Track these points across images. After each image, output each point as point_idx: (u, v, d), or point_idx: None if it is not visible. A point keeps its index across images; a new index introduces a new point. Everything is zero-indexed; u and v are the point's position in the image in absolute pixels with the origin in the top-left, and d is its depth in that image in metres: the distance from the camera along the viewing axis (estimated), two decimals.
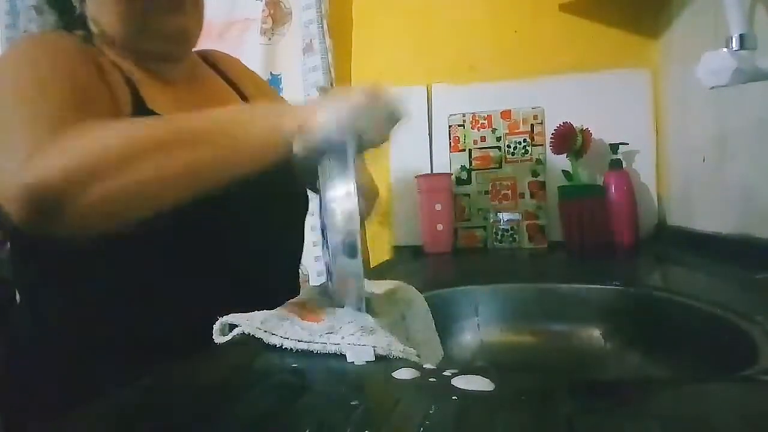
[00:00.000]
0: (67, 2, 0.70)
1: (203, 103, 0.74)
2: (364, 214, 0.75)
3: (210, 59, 0.84)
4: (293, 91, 1.42)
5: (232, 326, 0.50)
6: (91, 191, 0.47)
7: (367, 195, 0.74)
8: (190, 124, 0.53)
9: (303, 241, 0.84)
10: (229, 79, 0.84)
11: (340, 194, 0.49)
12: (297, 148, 0.51)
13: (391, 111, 0.57)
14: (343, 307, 0.51)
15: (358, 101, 0.52)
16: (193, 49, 0.79)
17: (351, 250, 0.48)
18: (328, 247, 0.52)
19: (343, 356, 0.42)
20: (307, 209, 0.83)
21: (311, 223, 0.91)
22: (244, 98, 0.82)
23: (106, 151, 0.48)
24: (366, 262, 1.46)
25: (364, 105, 0.52)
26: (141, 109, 0.64)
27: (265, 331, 0.46)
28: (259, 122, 0.53)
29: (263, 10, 1.47)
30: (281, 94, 1.34)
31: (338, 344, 0.44)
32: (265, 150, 0.53)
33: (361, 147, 0.54)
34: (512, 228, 1.33)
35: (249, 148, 0.52)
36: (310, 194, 0.81)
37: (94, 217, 0.48)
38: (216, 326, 0.50)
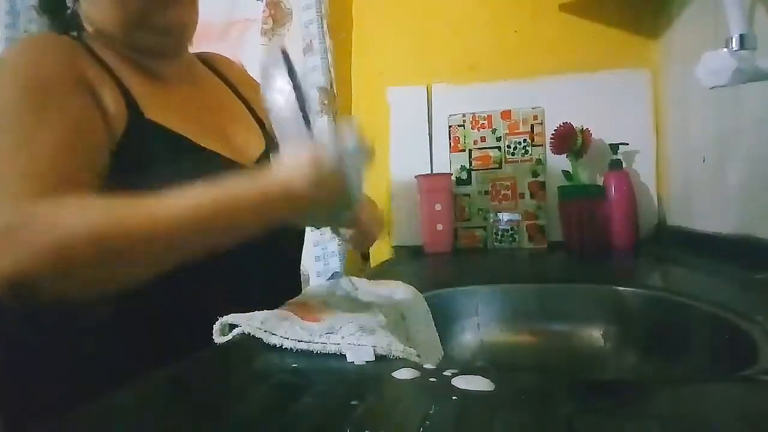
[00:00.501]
0: (59, 3, 0.70)
1: (200, 105, 0.74)
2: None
3: (209, 62, 0.84)
4: None
5: (232, 326, 0.50)
6: (71, 281, 0.48)
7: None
8: (179, 215, 0.50)
9: (303, 242, 0.84)
10: (229, 82, 0.83)
11: None
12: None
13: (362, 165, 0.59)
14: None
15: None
16: (193, 52, 0.79)
17: None
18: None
19: (343, 356, 0.42)
20: None
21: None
22: (243, 101, 0.82)
23: (90, 240, 0.47)
24: (366, 262, 1.46)
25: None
26: (137, 120, 0.63)
27: (265, 331, 0.46)
28: (252, 217, 0.53)
29: (263, 11, 1.47)
30: None
31: (338, 344, 0.44)
32: (255, 231, 0.53)
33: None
34: (512, 228, 1.33)
35: (238, 236, 0.53)
36: None
37: (73, 294, 0.49)
38: (216, 326, 0.50)
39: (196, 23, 0.73)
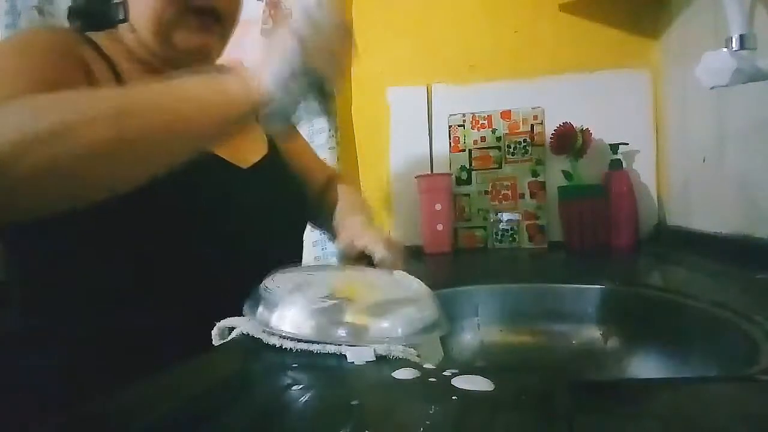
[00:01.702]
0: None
1: None
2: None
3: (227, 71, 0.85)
4: None
5: (231, 330, 0.50)
6: (21, 162, 0.42)
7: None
8: (133, 93, 0.49)
9: (302, 243, 0.85)
10: None
11: None
12: (260, 113, 0.50)
13: (335, 25, 0.54)
14: None
15: (294, 39, 0.50)
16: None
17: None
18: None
19: (343, 356, 0.42)
20: (306, 211, 0.84)
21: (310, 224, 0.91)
22: None
23: (36, 117, 0.44)
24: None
25: (303, 39, 0.50)
26: None
27: (264, 331, 0.46)
28: (203, 88, 0.51)
29: (264, 11, 1.47)
30: None
31: (339, 345, 0.44)
32: (216, 115, 0.50)
33: (324, 83, 0.53)
34: (512, 228, 1.33)
35: (197, 115, 0.50)
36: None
37: (23, 193, 0.44)
38: (214, 331, 0.50)
39: (224, 47, 0.75)
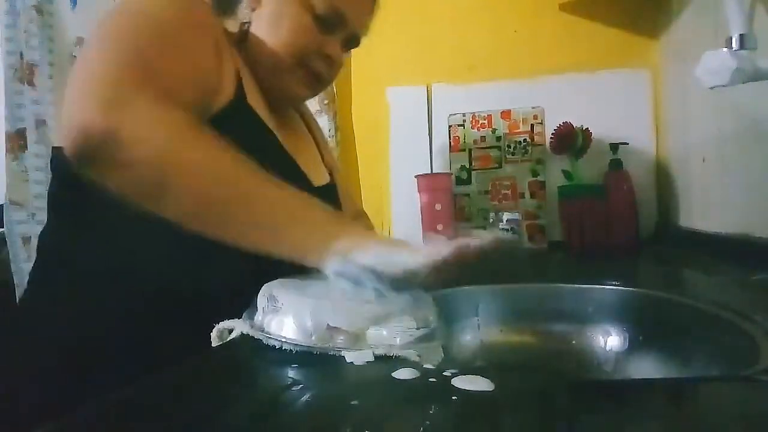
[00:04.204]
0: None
1: (287, 128, 0.81)
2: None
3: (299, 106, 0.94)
4: None
5: (230, 331, 0.50)
6: (130, 175, 0.49)
7: None
8: (263, 193, 0.52)
9: None
10: (308, 124, 0.94)
11: None
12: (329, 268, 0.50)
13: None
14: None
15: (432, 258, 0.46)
16: None
17: None
18: None
19: (343, 356, 0.42)
20: None
21: None
22: (315, 143, 0.92)
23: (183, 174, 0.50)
24: None
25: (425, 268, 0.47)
26: (240, 101, 0.67)
27: (262, 331, 0.46)
28: (311, 234, 0.52)
29: None
30: None
31: (339, 347, 0.44)
32: (298, 256, 0.51)
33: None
34: (512, 228, 1.33)
35: (287, 248, 0.51)
36: None
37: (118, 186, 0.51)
38: (213, 333, 0.50)
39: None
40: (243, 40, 0.74)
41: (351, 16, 0.75)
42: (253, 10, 0.74)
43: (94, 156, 0.49)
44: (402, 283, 0.48)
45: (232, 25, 0.76)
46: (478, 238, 0.47)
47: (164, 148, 0.49)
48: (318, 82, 0.79)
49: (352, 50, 0.84)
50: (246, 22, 0.74)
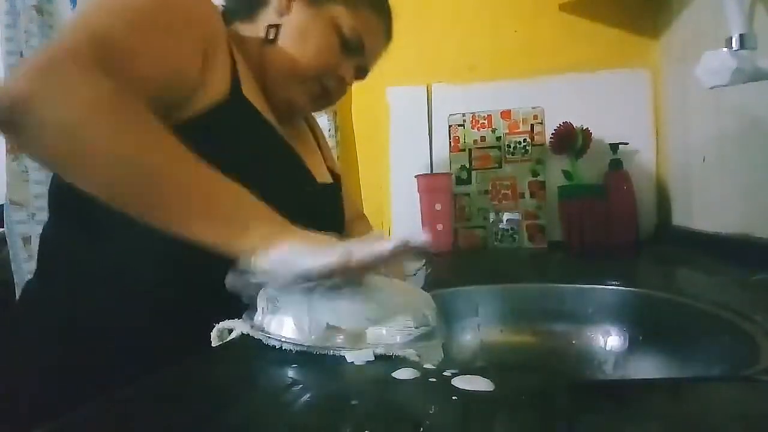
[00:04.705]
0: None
1: (289, 129, 0.81)
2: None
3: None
4: None
5: (230, 331, 0.50)
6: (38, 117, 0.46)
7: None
8: (183, 166, 0.50)
9: None
10: (312, 128, 0.96)
11: None
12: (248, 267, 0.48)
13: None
14: None
15: (327, 262, 0.45)
16: None
17: None
18: None
19: (343, 356, 0.42)
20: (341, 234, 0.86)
21: None
22: (317, 142, 0.94)
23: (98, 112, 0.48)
24: None
25: (330, 267, 0.45)
26: (236, 95, 0.67)
27: (262, 331, 0.46)
28: (222, 224, 0.50)
29: None
30: None
31: (339, 346, 0.44)
32: (208, 244, 0.49)
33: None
34: (512, 228, 1.33)
35: (195, 235, 0.49)
36: None
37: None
38: (213, 333, 0.50)
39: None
40: (267, 43, 0.74)
41: (368, 46, 0.80)
42: (282, 16, 0.75)
43: (11, 117, 0.47)
44: (299, 282, 0.46)
45: (249, 30, 0.76)
46: (385, 242, 0.47)
47: (78, 115, 0.47)
48: (325, 100, 0.81)
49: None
50: (275, 25, 0.74)
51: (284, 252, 0.47)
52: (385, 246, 0.46)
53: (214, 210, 0.50)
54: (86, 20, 0.55)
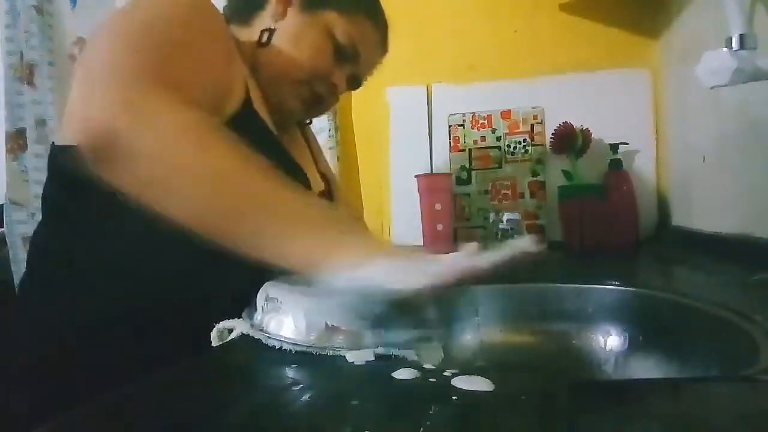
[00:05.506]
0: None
1: (287, 138, 0.83)
2: None
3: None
4: None
5: (230, 331, 0.50)
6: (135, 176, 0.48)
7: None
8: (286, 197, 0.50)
9: None
10: (307, 138, 0.97)
11: None
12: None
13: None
14: None
15: (418, 286, 0.43)
16: None
17: None
18: None
19: (343, 356, 0.42)
20: None
21: None
22: (310, 149, 0.96)
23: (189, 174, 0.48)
24: None
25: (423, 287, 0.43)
26: (248, 107, 0.68)
27: (262, 331, 0.46)
28: (320, 241, 0.48)
29: None
30: None
31: (339, 346, 0.44)
32: (299, 268, 0.47)
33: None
34: (512, 228, 1.33)
35: (287, 260, 0.47)
36: None
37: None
38: (213, 333, 0.50)
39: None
40: (261, 46, 0.75)
41: (363, 55, 0.81)
42: (277, 21, 0.76)
43: (105, 152, 0.48)
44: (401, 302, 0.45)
45: (246, 34, 0.77)
46: (491, 255, 0.45)
47: (171, 146, 0.49)
48: (317, 106, 0.82)
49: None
50: (270, 29, 0.75)
51: (375, 271, 0.44)
52: (494, 257, 0.45)
53: (307, 229, 0.49)
54: (132, 41, 0.55)
